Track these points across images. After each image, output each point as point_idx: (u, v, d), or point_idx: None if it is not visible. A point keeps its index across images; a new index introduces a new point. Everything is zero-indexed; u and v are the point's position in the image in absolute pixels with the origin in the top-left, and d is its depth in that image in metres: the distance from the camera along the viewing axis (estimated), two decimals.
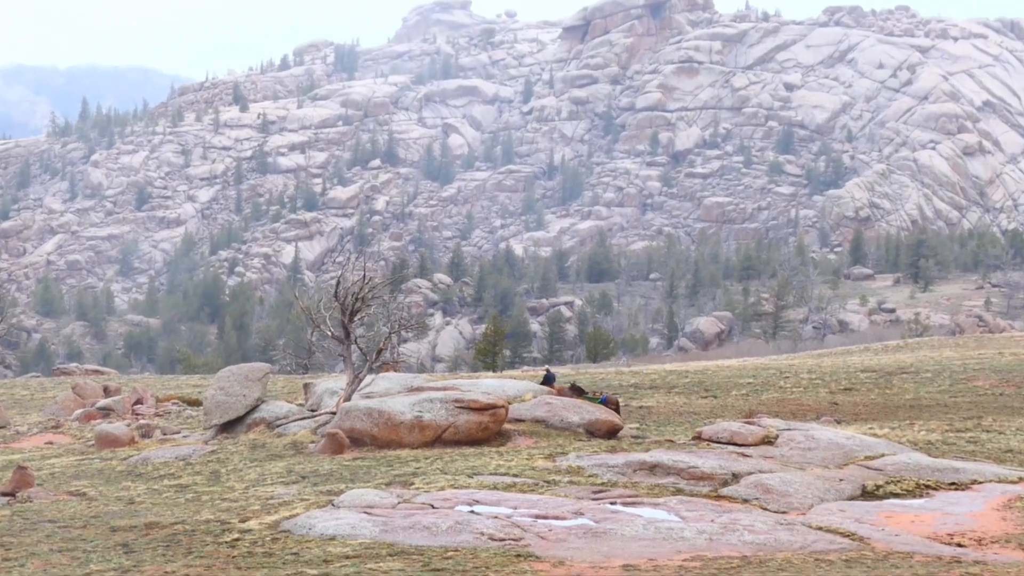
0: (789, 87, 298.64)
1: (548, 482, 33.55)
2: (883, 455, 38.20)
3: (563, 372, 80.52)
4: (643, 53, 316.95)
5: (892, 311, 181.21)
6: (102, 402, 57.18)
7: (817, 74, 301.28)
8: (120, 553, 27.12)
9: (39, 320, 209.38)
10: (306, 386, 53.40)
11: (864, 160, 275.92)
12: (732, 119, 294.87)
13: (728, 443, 38.88)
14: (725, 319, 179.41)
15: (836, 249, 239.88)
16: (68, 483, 36.50)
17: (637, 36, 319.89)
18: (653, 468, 35.13)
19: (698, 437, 40.52)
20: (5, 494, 34.24)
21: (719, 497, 32.57)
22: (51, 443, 48.43)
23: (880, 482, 35.19)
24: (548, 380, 53.46)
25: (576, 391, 50.09)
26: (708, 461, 35.87)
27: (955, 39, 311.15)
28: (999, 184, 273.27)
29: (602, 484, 33.64)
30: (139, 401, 57.40)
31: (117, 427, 48.17)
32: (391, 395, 44.40)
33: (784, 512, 31.14)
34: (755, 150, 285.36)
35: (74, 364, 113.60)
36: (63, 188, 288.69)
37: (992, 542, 28.38)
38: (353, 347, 51.03)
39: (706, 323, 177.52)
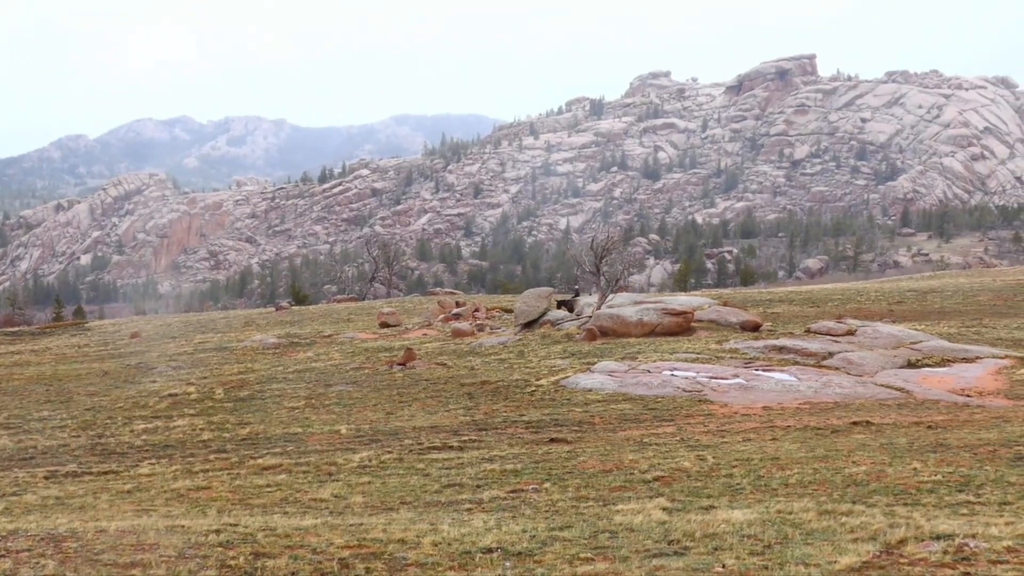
0: (864, 120, 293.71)
1: (717, 357, 33.23)
2: (921, 341, 37.13)
3: (726, 293, 79.39)
4: (775, 101, 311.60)
5: (927, 255, 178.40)
6: (455, 310, 58.12)
7: (881, 112, 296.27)
8: (466, 398, 27.65)
9: (417, 263, 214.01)
10: (574, 301, 53.50)
11: (910, 164, 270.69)
12: (828, 140, 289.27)
13: (826, 334, 38.25)
14: (824, 260, 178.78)
15: (892, 218, 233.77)
16: (435, 357, 37.29)
17: (771, 91, 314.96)
18: (781, 349, 34.65)
19: (808, 331, 39.80)
20: (400, 364, 35.12)
21: (820, 367, 32.00)
22: (426, 334, 49.52)
23: (919, 358, 34.32)
24: (576, 295, 52.69)
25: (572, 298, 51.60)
26: (814, 344, 35.27)
27: (967, 89, 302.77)
28: (994, 177, 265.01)
29: (750, 358, 33.24)
30: (476, 310, 58.18)
31: (464, 325, 48.96)
32: (624, 306, 44.32)
33: (860, 376, 30.49)
34: (842, 159, 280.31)
35: (438, 288, 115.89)
36: (430, 186, 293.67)
37: (989, 394, 27.53)
38: (601, 277, 51.08)
39: (813, 263, 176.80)
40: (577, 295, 51.99)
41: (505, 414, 24.90)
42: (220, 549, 10.82)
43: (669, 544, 11.00)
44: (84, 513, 15.02)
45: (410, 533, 11.77)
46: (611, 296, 48.10)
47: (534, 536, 11.58)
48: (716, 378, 29.05)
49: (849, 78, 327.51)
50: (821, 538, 11.08)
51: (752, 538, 11.15)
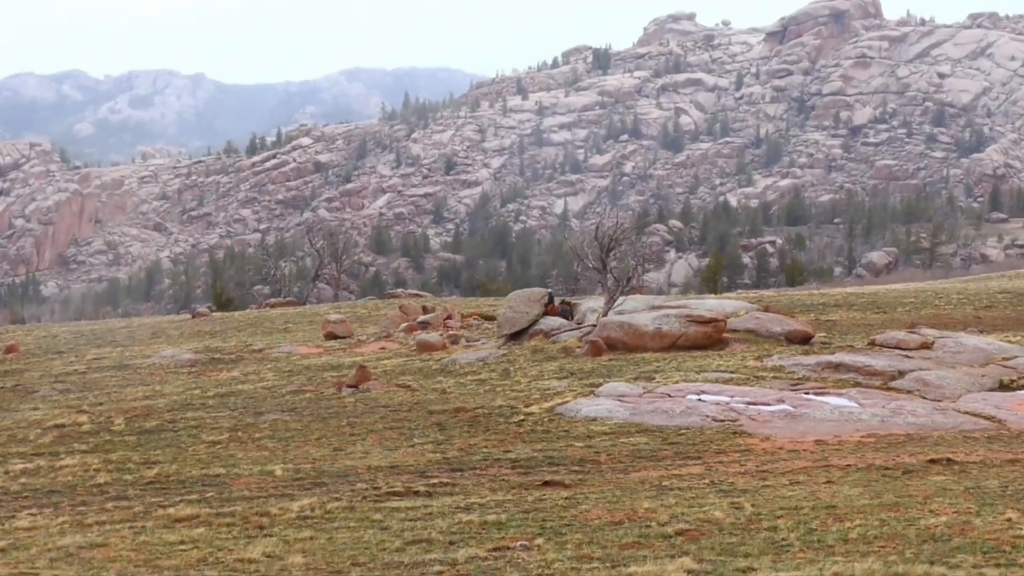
0: (941, 75, 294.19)
1: (757, 377, 33.28)
2: (1016, 357, 37.14)
3: (768, 295, 79.55)
4: (828, 51, 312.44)
5: (1022, 246, 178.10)
6: (421, 318, 57.89)
7: (963, 65, 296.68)
8: (436, 430, 27.57)
9: (374, 257, 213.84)
10: (573, 305, 53.38)
11: (1000, 131, 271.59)
12: (897, 101, 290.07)
13: (895, 348, 38.22)
14: (892, 253, 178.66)
15: (978, 199, 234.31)
16: (396, 378, 37.16)
17: (823, 38, 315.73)
18: (837, 367, 34.70)
19: (872, 343, 39.81)
20: (351, 386, 35.01)
21: (888, 389, 32.07)
22: (384, 348, 49.31)
23: (1013, 377, 34.31)
24: (550, 300, 52.52)
25: (560, 303, 51.17)
26: (880, 361, 35.31)
27: None
28: None
29: (798, 379, 33.31)
30: (449, 317, 58.00)
31: (433, 336, 48.83)
32: (637, 312, 44.27)
33: (939, 400, 30.56)
34: (915, 124, 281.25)
35: (400, 289, 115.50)
36: (391, 159, 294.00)
37: None
38: (608, 276, 51.09)
39: (878, 256, 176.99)
40: (551, 301, 51.87)
41: (485, 450, 24.82)
42: None
43: None
44: None
45: None
46: (621, 299, 48.10)
47: None
48: (755, 404, 29.04)
49: (923, 22, 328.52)
50: None
51: None
